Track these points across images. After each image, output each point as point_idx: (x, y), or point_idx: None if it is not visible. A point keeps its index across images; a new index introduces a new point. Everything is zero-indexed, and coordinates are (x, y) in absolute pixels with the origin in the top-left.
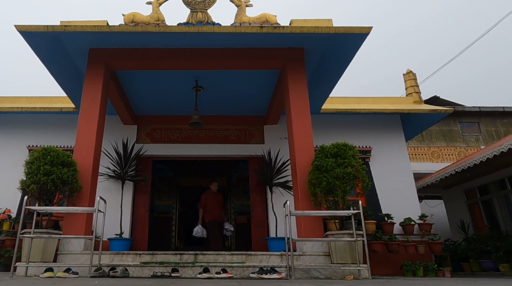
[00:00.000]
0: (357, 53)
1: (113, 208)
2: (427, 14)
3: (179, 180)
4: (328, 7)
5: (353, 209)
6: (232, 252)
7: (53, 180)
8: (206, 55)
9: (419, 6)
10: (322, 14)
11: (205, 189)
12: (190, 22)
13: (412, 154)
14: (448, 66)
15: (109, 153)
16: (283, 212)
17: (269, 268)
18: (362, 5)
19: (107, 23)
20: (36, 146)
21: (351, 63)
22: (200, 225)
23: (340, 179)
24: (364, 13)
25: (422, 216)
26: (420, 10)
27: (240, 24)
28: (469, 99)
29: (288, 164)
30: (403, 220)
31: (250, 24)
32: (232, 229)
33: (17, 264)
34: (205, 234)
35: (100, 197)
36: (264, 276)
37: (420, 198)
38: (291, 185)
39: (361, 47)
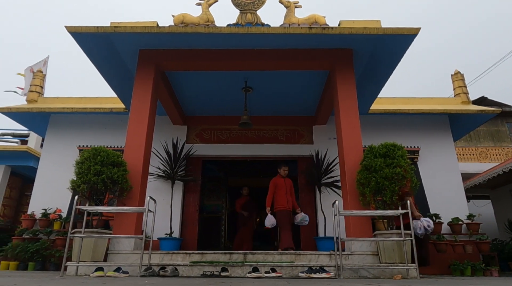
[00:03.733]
0: (405, 54)
1: (163, 207)
2: (479, 18)
3: (228, 180)
4: (378, 9)
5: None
6: (281, 251)
7: (103, 180)
8: (255, 56)
9: (470, 10)
10: (371, 16)
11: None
12: (240, 23)
13: (460, 154)
14: (498, 70)
15: (159, 153)
16: (331, 212)
17: (318, 268)
18: (411, 8)
19: (157, 24)
20: (87, 146)
21: (399, 64)
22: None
23: (388, 179)
24: (412, 15)
25: (470, 216)
26: (470, 15)
27: (289, 25)
28: None
29: (336, 164)
30: (451, 220)
31: (299, 25)
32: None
33: (68, 263)
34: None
35: (150, 197)
36: (313, 275)
37: (468, 198)
38: (339, 185)
39: (410, 48)
